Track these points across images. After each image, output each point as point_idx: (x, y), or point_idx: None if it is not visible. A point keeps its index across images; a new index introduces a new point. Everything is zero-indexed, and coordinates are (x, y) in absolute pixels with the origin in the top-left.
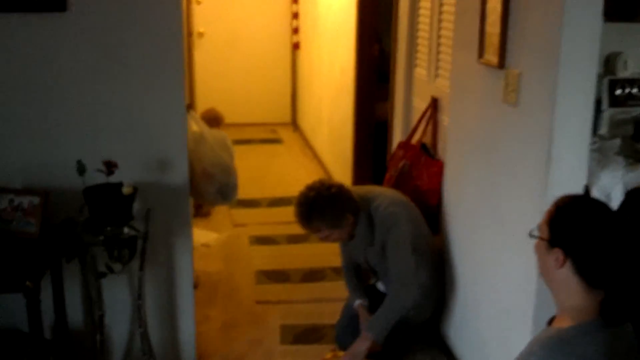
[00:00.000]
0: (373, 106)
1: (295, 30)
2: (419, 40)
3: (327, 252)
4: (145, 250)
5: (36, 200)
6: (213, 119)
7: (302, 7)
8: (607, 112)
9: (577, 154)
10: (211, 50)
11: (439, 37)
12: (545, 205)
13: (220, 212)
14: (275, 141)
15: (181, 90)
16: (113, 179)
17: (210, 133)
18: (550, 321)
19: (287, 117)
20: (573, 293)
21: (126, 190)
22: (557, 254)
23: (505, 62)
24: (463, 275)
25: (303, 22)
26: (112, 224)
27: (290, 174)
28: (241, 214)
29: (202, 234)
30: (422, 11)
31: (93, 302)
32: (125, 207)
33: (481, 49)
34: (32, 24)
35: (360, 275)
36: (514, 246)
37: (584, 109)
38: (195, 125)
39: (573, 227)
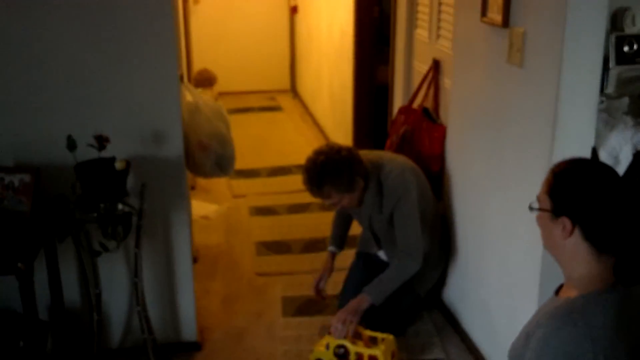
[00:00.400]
0: (373, 70)
1: None
2: (420, 0)
3: (328, 221)
4: (140, 226)
5: (27, 178)
6: (206, 80)
7: None
8: (615, 70)
9: (585, 115)
10: (207, 16)
11: None
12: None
13: (220, 183)
14: (275, 109)
15: (174, 59)
16: (106, 153)
17: (206, 103)
18: (557, 291)
19: (286, 84)
20: (582, 261)
21: (119, 165)
22: (564, 222)
23: (509, 20)
24: (467, 243)
25: None
26: (105, 201)
27: (291, 142)
28: (241, 184)
29: (201, 206)
30: None
31: (89, 281)
32: (119, 183)
33: (484, 6)
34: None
35: (347, 227)
36: (519, 212)
37: (591, 67)
38: (190, 96)
39: (576, 192)
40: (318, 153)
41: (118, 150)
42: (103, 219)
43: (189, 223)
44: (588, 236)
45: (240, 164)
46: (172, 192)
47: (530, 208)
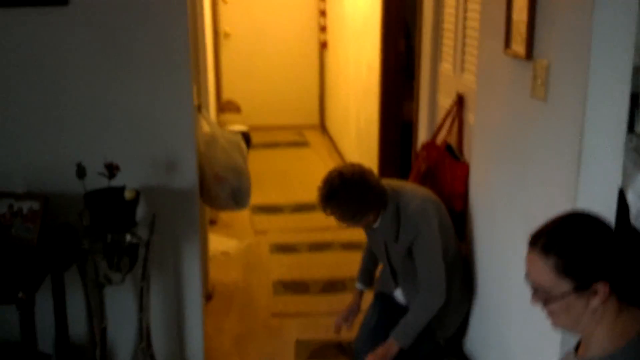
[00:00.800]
0: (399, 105)
1: (323, 29)
2: (445, 33)
3: (349, 261)
4: (147, 258)
5: (36, 205)
6: (233, 106)
7: (329, 5)
8: None
9: (611, 153)
10: (238, 50)
11: (464, 27)
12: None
13: (242, 218)
14: (302, 144)
15: (189, 87)
16: (117, 182)
17: (222, 134)
18: (577, 347)
19: (315, 120)
20: (607, 322)
21: (128, 194)
22: (596, 289)
23: (533, 52)
24: (490, 287)
25: (331, 20)
26: (113, 231)
27: (316, 179)
28: (263, 220)
29: (221, 242)
30: (447, 1)
31: (94, 314)
32: (128, 213)
33: (507, 38)
34: (32, 18)
35: (377, 262)
36: None
37: (618, 103)
38: (207, 126)
39: (598, 254)
40: (336, 175)
41: (129, 179)
42: (108, 250)
43: (201, 257)
44: (618, 292)
45: (263, 199)
46: (184, 224)
47: (546, 302)
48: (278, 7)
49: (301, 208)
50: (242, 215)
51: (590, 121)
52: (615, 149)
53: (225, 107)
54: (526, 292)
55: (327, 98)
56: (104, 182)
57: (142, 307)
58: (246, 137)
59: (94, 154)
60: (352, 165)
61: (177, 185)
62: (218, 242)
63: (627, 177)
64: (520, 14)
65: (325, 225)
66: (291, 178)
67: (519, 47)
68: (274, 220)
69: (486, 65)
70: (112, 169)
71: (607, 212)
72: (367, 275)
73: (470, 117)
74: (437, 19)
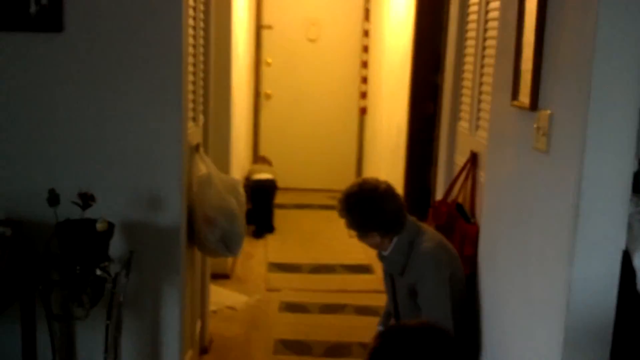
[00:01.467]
0: (426, 169)
1: (363, 95)
2: (464, 90)
3: (360, 326)
4: (113, 296)
5: (8, 231)
6: (265, 161)
7: (370, 71)
8: None
9: (613, 212)
10: (277, 112)
11: (480, 83)
12: (572, 274)
13: (258, 274)
14: (334, 207)
15: (179, 122)
16: (95, 214)
17: (219, 176)
18: None
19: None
20: None
21: (100, 225)
22: None
23: (537, 103)
24: (493, 356)
25: (370, 86)
26: (81, 262)
27: (342, 242)
28: (278, 278)
29: (230, 296)
30: (467, 58)
31: (56, 352)
32: (99, 246)
33: (515, 89)
34: (25, 44)
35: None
36: (540, 319)
37: (620, 157)
38: (204, 167)
39: None
40: (359, 185)
41: (109, 212)
42: (71, 282)
43: (180, 302)
44: None
45: (283, 257)
46: (165, 265)
47: None
48: (320, 73)
49: (320, 269)
50: (258, 272)
51: (588, 176)
52: (617, 208)
53: (259, 160)
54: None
55: (364, 162)
56: (86, 213)
57: (107, 349)
58: (271, 185)
59: (74, 184)
60: (381, 182)
61: (161, 224)
62: (226, 296)
63: (633, 239)
64: (527, 63)
65: (341, 287)
66: (316, 239)
67: (525, 98)
68: (289, 279)
69: (496, 119)
70: (86, 199)
71: (609, 276)
72: (389, 317)
73: (483, 176)
74: (457, 77)
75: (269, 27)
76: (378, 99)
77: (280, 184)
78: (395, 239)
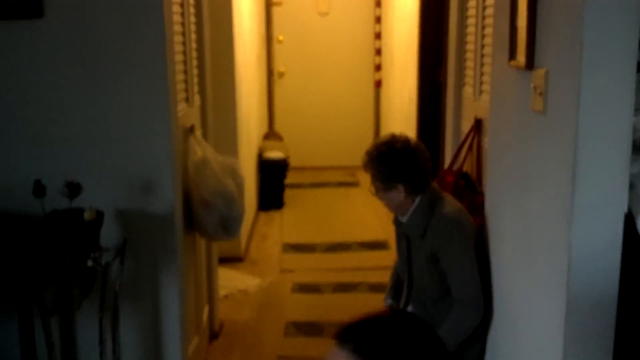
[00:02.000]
0: (437, 138)
1: (378, 68)
2: (467, 54)
3: (372, 304)
4: (105, 287)
5: None
6: (276, 137)
7: (384, 42)
8: None
9: (612, 172)
10: (292, 89)
11: (482, 46)
12: (572, 238)
13: (272, 256)
14: (352, 184)
15: (167, 104)
16: (85, 203)
17: (216, 158)
18: None
19: None
20: None
21: (88, 214)
22: None
23: (534, 61)
24: (500, 323)
25: (384, 58)
26: (72, 255)
27: (358, 218)
28: (293, 258)
29: (243, 279)
30: (469, 20)
31: (52, 346)
32: (89, 235)
33: (512, 48)
34: (5, 31)
35: (399, 290)
36: (542, 286)
37: (618, 116)
38: (199, 150)
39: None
40: (389, 140)
41: (100, 201)
42: (61, 275)
43: (179, 287)
44: None
45: (298, 237)
46: (162, 251)
47: None
48: (333, 47)
49: (335, 248)
50: (272, 253)
51: (586, 134)
52: (617, 167)
53: (270, 135)
54: (526, 326)
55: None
56: (76, 204)
57: (102, 340)
58: (282, 163)
59: (62, 172)
60: (411, 139)
61: (154, 209)
62: (239, 280)
63: (636, 201)
64: (522, 19)
65: (356, 265)
66: (333, 217)
67: (521, 56)
68: (304, 259)
69: (496, 81)
70: (74, 188)
71: (612, 240)
72: (398, 290)
73: (488, 142)
74: (460, 41)
75: (279, 4)
76: (391, 70)
77: (296, 162)
78: (417, 200)
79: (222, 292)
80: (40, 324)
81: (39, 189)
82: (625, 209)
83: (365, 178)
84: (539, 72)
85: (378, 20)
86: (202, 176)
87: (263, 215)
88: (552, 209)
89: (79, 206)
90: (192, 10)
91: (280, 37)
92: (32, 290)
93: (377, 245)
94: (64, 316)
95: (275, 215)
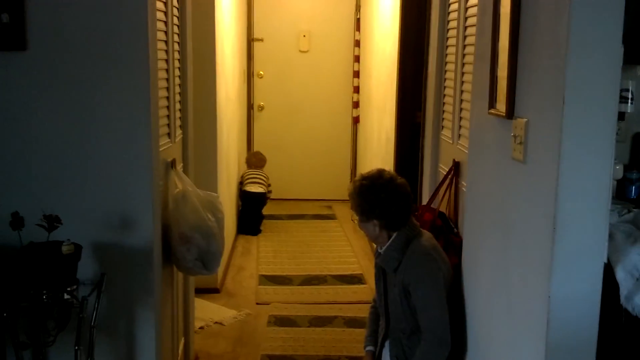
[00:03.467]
0: (414, 179)
1: (356, 104)
2: (446, 99)
3: (347, 339)
4: (82, 320)
5: None
6: (259, 160)
7: (362, 81)
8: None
9: (592, 223)
10: (271, 123)
11: (462, 92)
12: (552, 288)
13: (248, 288)
14: (328, 217)
15: (149, 139)
16: (63, 236)
17: (196, 192)
18: None
19: (345, 194)
20: None
21: (65, 248)
22: None
23: (514, 110)
24: None
25: (362, 96)
26: (48, 288)
27: (334, 252)
28: (268, 291)
29: (218, 311)
30: (448, 66)
31: None
32: (65, 269)
33: (492, 97)
34: None
35: (378, 324)
36: (522, 333)
37: (598, 166)
38: (180, 184)
39: None
40: (375, 174)
41: (78, 234)
42: (37, 308)
43: (156, 323)
44: None
45: (274, 270)
46: (139, 286)
47: None
48: (313, 83)
49: (311, 280)
50: (248, 285)
51: (566, 185)
52: (597, 218)
53: (252, 163)
54: None
55: (359, 172)
56: (54, 237)
57: None
58: (261, 197)
59: (42, 205)
60: (397, 178)
61: (133, 244)
62: (215, 311)
63: (615, 251)
64: (503, 69)
65: (332, 299)
66: (309, 250)
67: (501, 105)
68: (279, 292)
69: (475, 127)
70: (52, 221)
71: (591, 290)
72: (376, 336)
73: (465, 185)
74: (439, 86)
75: (260, 40)
76: (369, 108)
77: (274, 194)
78: (394, 235)
79: (197, 323)
80: (14, 358)
81: (17, 221)
82: (604, 259)
83: (342, 211)
84: (519, 122)
85: (357, 59)
86: (182, 211)
87: (240, 247)
88: (532, 257)
89: (57, 239)
90: (176, 46)
91: (261, 72)
92: (6, 323)
93: (353, 279)
94: (38, 350)
95: (252, 246)
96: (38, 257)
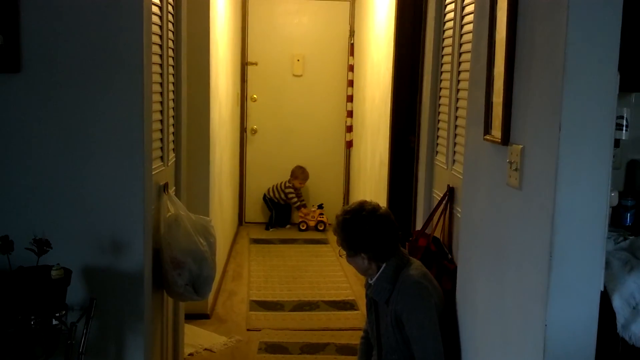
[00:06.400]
0: (408, 204)
1: (349, 129)
2: (440, 125)
3: None
4: (70, 347)
5: None
6: (302, 174)
7: (355, 105)
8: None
9: (588, 251)
10: (264, 147)
11: (456, 117)
12: (548, 316)
13: (239, 314)
14: (321, 242)
15: (142, 163)
16: (53, 261)
17: (189, 217)
18: None
19: None
20: None
21: (55, 273)
22: None
23: (509, 137)
24: None
25: (356, 120)
26: (36, 313)
27: (327, 277)
28: (259, 317)
29: (209, 337)
30: (443, 92)
31: None
32: (54, 294)
33: (487, 123)
34: None
35: (370, 355)
36: None
37: (594, 193)
38: (172, 207)
39: None
40: (357, 206)
41: (69, 258)
42: (25, 333)
43: (146, 348)
44: None
45: (266, 295)
46: (129, 311)
47: None
48: (306, 107)
49: (302, 306)
50: (239, 310)
51: (562, 212)
52: (593, 246)
53: (298, 172)
54: None
55: (351, 196)
56: (44, 260)
57: None
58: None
59: (32, 229)
60: (381, 207)
61: (124, 268)
62: (205, 338)
63: (612, 278)
64: (498, 95)
65: (324, 325)
66: (301, 275)
67: (497, 132)
68: (271, 318)
69: (470, 153)
70: (42, 245)
71: (587, 318)
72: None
73: (460, 211)
74: (433, 111)
75: (255, 64)
76: (363, 132)
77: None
78: (383, 266)
79: (187, 350)
80: None
81: (6, 245)
82: (601, 287)
83: (334, 236)
84: (515, 148)
85: (351, 83)
86: (174, 235)
87: (231, 271)
88: (528, 284)
89: (47, 263)
90: (170, 70)
91: (255, 96)
92: None
93: (345, 306)
94: None
95: (243, 270)
96: (27, 282)
